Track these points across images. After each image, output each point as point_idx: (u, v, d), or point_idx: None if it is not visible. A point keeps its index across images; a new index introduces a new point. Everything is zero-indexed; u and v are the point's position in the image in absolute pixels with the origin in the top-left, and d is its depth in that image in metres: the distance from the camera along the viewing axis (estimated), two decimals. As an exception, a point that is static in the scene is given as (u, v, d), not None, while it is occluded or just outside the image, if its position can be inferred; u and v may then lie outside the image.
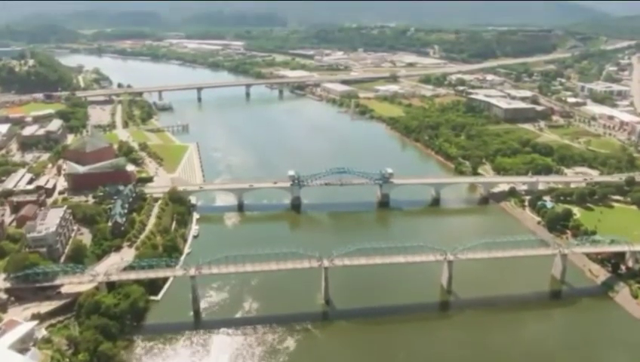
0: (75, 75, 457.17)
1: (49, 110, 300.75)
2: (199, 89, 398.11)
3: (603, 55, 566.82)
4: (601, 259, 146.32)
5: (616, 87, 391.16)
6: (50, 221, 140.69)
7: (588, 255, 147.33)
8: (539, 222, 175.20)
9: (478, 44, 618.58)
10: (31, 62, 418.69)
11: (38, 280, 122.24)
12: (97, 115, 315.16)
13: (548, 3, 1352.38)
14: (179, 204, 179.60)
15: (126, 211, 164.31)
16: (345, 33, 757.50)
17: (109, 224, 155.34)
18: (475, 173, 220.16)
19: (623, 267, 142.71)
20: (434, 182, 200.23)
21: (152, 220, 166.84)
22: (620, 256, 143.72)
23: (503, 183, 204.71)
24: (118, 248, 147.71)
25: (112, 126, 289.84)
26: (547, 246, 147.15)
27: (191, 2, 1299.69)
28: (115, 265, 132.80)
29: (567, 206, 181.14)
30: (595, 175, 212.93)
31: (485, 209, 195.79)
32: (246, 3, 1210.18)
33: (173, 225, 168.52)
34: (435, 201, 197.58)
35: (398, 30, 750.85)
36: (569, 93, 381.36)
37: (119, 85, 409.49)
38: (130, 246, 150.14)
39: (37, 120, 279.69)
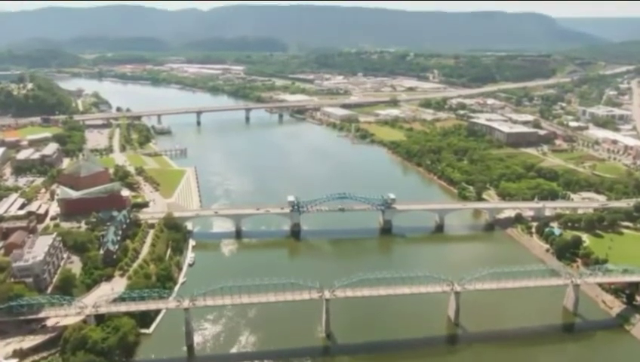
0: (74, 99, 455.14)
1: (46, 134, 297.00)
2: (198, 113, 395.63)
3: (602, 80, 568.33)
4: (615, 290, 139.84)
5: (617, 112, 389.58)
6: (38, 249, 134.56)
7: (601, 285, 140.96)
8: (547, 250, 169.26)
9: (477, 68, 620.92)
10: (30, 85, 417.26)
11: (22, 312, 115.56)
12: (95, 139, 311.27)
13: (545, 29, 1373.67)
14: (174, 230, 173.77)
15: (119, 238, 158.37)
16: (344, 58, 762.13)
17: (101, 252, 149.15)
18: (480, 199, 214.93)
19: (638, 298, 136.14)
20: (438, 208, 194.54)
21: (146, 247, 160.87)
22: (635, 286, 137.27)
23: (508, 209, 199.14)
24: (110, 277, 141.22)
25: (109, 150, 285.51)
26: (558, 275, 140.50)
27: (192, 28, 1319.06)
28: (104, 296, 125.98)
29: (575, 233, 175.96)
30: (602, 200, 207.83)
31: (491, 236, 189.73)
32: (247, 28, 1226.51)
33: (168, 252, 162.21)
34: (439, 228, 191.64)
35: (397, 55, 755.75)
36: (570, 117, 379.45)
37: (118, 109, 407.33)
38: (122, 275, 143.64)
39: (33, 143, 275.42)
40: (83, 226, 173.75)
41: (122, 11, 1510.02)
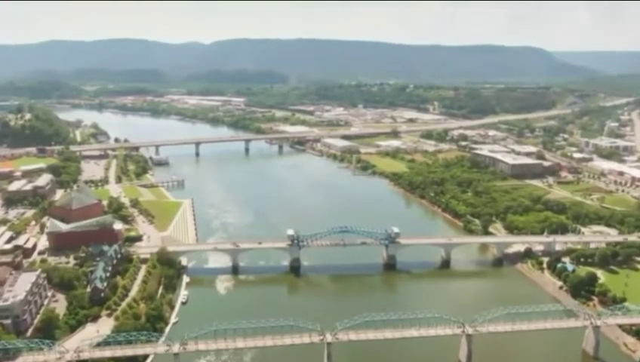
0: (72, 130, 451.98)
1: (40, 164, 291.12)
2: (197, 144, 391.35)
3: (603, 111, 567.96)
4: (637, 331, 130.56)
5: (621, 143, 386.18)
6: (19, 287, 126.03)
7: (621, 326, 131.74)
8: (561, 287, 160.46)
9: (477, 100, 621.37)
10: (28, 116, 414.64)
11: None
12: (91, 170, 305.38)
13: (542, 62, 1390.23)
14: (168, 266, 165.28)
15: (108, 275, 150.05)
16: (345, 90, 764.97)
17: (88, 289, 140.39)
18: (486, 232, 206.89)
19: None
20: (444, 243, 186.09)
21: (137, 285, 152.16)
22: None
23: (517, 243, 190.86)
24: (96, 318, 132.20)
25: (104, 181, 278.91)
26: (575, 316, 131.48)
27: (194, 61, 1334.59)
28: (88, 339, 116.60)
29: (589, 268, 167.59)
30: (613, 234, 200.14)
31: (500, 271, 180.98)
32: (247, 61, 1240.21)
33: (160, 290, 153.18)
34: (445, 263, 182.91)
35: (397, 87, 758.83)
36: (574, 148, 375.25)
37: (116, 140, 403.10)
38: (109, 315, 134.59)
39: (26, 174, 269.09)
40: (72, 261, 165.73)
41: (125, 45, 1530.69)
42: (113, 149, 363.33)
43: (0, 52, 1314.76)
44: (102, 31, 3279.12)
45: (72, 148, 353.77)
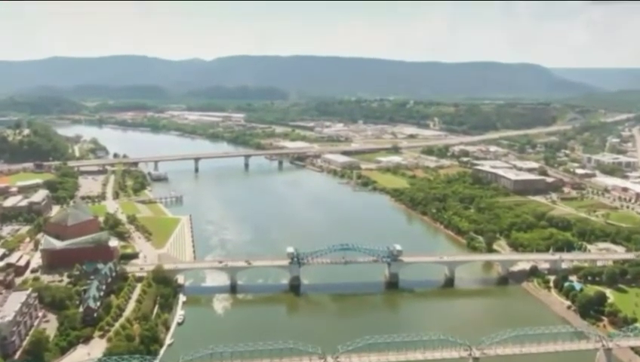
0: (71, 145, 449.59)
1: (37, 180, 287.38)
2: (197, 159, 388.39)
3: (603, 127, 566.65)
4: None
5: (623, 159, 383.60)
6: (8, 307, 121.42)
7: (634, 348, 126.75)
8: (569, 307, 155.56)
9: (477, 116, 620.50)
10: (26, 131, 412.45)
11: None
12: (88, 186, 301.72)
13: (540, 79, 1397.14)
14: (164, 284, 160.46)
15: (102, 294, 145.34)
16: (345, 106, 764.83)
17: (81, 309, 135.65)
18: (490, 250, 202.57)
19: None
20: (448, 261, 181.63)
21: (132, 304, 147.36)
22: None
23: (522, 261, 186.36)
24: (88, 339, 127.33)
25: (101, 197, 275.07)
26: (586, 337, 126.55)
27: (194, 77, 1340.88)
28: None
29: (597, 287, 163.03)
30: (621, 251, 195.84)
31: (505, 290, 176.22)
32: (248, 78, 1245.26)
33: (156, 309, 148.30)
34: (449, 281, 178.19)
35: (397, 103, 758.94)
36: (576, 164, 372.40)
37: (115, 155, 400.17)
38: (102, 336, 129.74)
39: (22, 190, 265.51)
40: (65, 280, 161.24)
41: (127, 61, 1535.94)
42: (112, 165, 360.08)
43: (2, 68, 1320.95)
44: (103, 48, 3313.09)
45: (70, 163, 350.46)
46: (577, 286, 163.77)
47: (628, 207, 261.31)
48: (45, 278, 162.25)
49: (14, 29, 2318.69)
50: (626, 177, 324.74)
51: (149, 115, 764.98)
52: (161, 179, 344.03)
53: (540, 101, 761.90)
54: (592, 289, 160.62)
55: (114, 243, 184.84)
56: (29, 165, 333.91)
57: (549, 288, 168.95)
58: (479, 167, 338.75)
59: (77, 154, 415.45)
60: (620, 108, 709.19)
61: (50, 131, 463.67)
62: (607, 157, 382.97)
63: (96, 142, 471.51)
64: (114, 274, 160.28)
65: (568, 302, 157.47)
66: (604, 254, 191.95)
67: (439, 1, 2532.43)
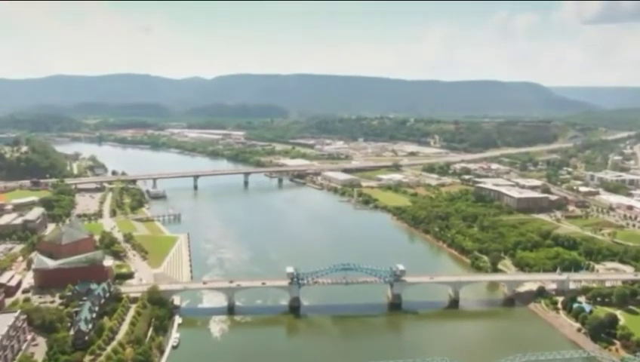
0: (69, 162, 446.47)
1: (32, 197, 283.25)
2: (196, 177, 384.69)
3: (605, 145, 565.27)
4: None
5: (627, 176, 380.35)
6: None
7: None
8: (579, 330, 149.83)
9: (478, 134, 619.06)
10: (24, 148, 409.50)
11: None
12: (85, 203, 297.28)
13: (540, 97, 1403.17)
14: (159, 305, 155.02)
15: (94, 316, 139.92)
16: (345, 123, 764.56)
17: (72, 332, 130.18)
18: (495, 270, 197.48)
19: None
20: (452, 281, 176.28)
21: (125, 326, 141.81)
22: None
23: (529, 282, 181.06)
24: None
25: (98, 215, 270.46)
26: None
27: (195, 95, 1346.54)
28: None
29: (607, 309, 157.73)
30: (629, 271, 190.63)
31: (512, 312, 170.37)
32: (248, 96, 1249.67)
33: (150, 332, 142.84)
34: (454, 303, 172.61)
35: (397, 121, 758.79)
36: (579, 182, 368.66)
37: (113, 172, 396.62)
38: (93, 360, 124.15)
39: (18, 208, 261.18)
40: (57, 301, 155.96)
41: (128, 79, 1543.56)
42: (110, 182, 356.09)
43: (4, 86, 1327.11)
44: (105, 66, 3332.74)
45: (68, 180, 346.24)
46: (587, 307, 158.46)
47: (634, 226, 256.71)
48: (37, 299, 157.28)
49: (16, 47, 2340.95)
50: (630, 195, 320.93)
51: (149, 133, 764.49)
52: (159, 196, 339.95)
53: (539, 119, 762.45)
54: (602, 311, 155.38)
55: (108, 262, 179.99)
56: (26, 182, 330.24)
57: (557, 309, 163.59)
58: (481, 185, 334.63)
59: (75, 171, 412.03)
60: (620, 126, 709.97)
61: (49, 148, 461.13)
62: (610, 175, 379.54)
63: (95, 160, 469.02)
64: (107, 294, 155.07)
65: (578, 325, 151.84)
66: (613, 274, 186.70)
67: (438, 20, 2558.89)
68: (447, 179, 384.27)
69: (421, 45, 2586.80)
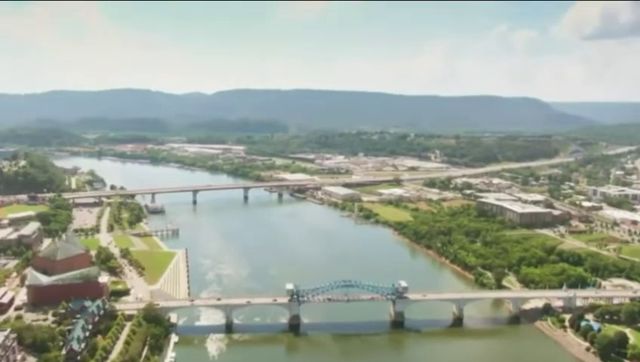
0: (68, 177, 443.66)
1: (29, 212, 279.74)
2: (195, 191, 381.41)
3: (606, 159, 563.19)
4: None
5: (630, 191, 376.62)
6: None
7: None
8: (588, 349, 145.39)
9: (479, 148, 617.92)
10: (22, 162, 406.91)
11: None
12: (82, 218, 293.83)
13: (540, 112, 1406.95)
14: (155, 323, 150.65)
15: (88, 334, 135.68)
16: (345, 138, 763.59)
17: (63, 352, 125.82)
18: (500, 286, 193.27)
19: None
20: (456, 298, 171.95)
21: (119, 345, 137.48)
22: None
23: (535, 298, 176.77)
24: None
25: (95, 230, 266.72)
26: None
27: (196, 110, 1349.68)
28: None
29: (615, 326, 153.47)
30: (636, 288, 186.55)
31: (518, 330, 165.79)
32: (249, 110, 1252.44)
33: (145, 351, 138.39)
34: (458, 320, 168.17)
35: (397, 136, 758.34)
36: (581, 197, 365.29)
37: (112, 187, 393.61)
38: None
39: (13, 222, 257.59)
40: (50, 318, 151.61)
41: (129, 95, 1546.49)
42: (108, 197, 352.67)
43: (5, 101, 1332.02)
44: (106, 81, 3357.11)
45: (65, 195, 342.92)
46: (595, 325, 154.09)
47: (639, 241, 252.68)
48: (29, 316, 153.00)
49: (17, 62, 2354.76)
50: (634, 210, 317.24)
51: (149, 147, 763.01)
52: (157, 211, 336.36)
53: (539, 134, 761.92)
54: (610, 329, 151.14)
55: (104, 278, 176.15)
56: (23, 197, 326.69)
57: (564, 328, 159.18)
58: (484, 200, 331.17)
59: (73, 185, 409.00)
60: (620, 140, 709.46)
61: (47, 163, 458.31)
62: (612, 190, 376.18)
63: (94, 174, 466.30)
64: (102, 312, 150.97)
65: (587, 344, 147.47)
66: (621, 291, 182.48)
67: (437, 36, 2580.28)
68: (448, 194, 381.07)
69: (420, 60, 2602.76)
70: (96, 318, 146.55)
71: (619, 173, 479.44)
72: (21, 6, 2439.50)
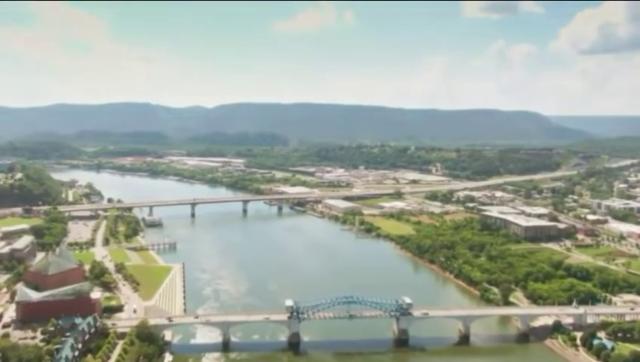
0: (65, 189, 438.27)
1: (23, 225, 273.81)
2: (193, 204, 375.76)
3: (609, 172, 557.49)
4: None
5: (635, 204, 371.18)
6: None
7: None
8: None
9: (480, 161, 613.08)
10: (19, 175, 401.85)
11: None
12: (78, 231, 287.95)
13: (540, 126, 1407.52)
14: (148, 342, 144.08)
15: (77, 354, 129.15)
16: (345, 151, 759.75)
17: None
18: (507, 302, 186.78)
19: None
20: (463, 315, 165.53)
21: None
22: None
23: (544, 315, 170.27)
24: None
25: (90, 243, 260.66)
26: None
27: (196, 123, 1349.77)
28: None
29: (629, 345, 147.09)
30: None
31: (527, 349, 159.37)
32: (249, 124, 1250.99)
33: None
34: (464, 338, 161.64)
35: (398, 149, 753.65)
36: (586, 210, 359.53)
37: (109, 200, 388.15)
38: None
39: (7, 236, 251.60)
40: (39, 336, 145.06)
41: (129, 108, 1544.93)
42: (105, 210, 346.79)
43: (5, 115, 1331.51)
44: (106, 95, 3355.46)
45: (61, 208, 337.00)
46: (608, 344, 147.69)
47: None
48: (17, 334, 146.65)
49: (17, 76, 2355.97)
50: (639, 223, 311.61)
51: (148, 160, 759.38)
52: (155, 224, 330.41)
53: (540, 147, 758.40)
54: (624, 348, 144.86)
55: (97, 294, 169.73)
56: (18, 210, 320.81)
57: (576, 346, 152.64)
58: (487, 213, 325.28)
59: (70, 198, 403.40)
60: (622, 153, 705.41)
61: (44, 175, 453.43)
62: (617, 203, 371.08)
63: (91, 187, 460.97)
64: (93, 329, 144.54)
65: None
66: (633, 308, 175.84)
67: (436, 52, 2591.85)
68: (450, 207, 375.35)
69: (419, 76, 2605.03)
70: (87, 336, 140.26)
71: (622, 185, 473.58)
72: (22, 20, 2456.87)
